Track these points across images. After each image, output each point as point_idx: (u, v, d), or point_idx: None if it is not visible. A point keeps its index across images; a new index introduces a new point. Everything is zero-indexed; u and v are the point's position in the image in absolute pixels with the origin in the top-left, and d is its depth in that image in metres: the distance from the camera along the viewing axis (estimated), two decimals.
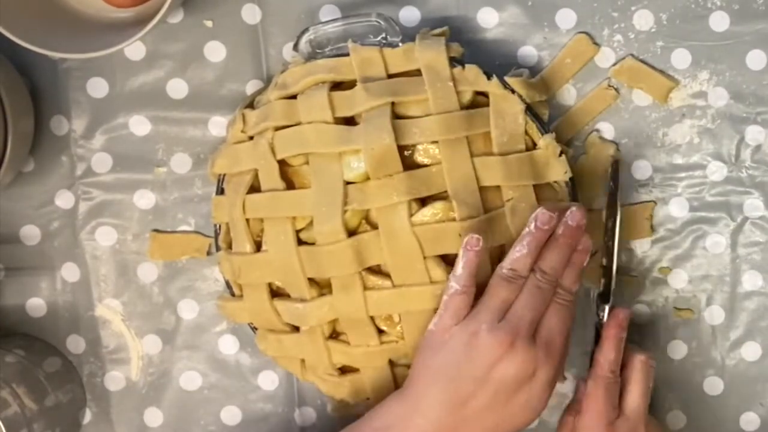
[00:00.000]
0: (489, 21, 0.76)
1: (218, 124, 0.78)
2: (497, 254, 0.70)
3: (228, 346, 0.80)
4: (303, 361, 0.73)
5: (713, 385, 0.78)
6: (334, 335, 0.72)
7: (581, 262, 0.69)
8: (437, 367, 0.66)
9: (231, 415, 0.80)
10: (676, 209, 0.77)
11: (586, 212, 0.68)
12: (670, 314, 0.78)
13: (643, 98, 0.76)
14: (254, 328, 0.74)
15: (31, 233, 0.80)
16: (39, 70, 0.78)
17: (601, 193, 0.76)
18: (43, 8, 0.74)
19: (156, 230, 0.79)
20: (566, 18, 0.76)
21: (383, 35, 0.72)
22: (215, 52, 0.77)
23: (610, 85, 0.76)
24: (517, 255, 0.67)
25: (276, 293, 0.72)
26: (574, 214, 0.68)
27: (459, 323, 0.66)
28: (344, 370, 0.73)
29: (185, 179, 0.79)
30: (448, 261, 0.69)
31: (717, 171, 0.76)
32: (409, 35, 0.72)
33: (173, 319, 0.80)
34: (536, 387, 0.66)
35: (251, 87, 0.78)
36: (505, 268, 0.67)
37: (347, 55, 0.71)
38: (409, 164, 0.70)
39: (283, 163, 0.71)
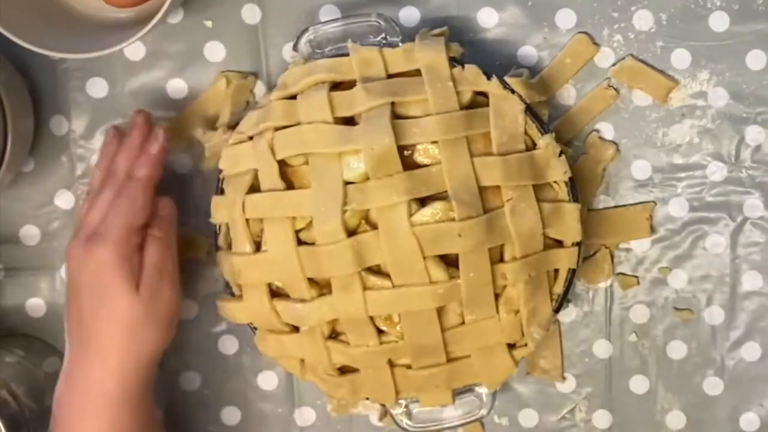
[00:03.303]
0: (489, 21, 0.76)
1: None
2: (497, 254, 0.70)
3: (228, 346, 0.80)
4: (303, 361, 0.73)
5: (713, 386, 0.78)
6: (334, 335, 0.72)
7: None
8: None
9: (231, 415, 0.80)
10: (676, 209, 0.77)
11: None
12: (670, 314, 0.78)
13: (642, 98, 0.76)
14: (254, 329, 0.74)
15: (30, 233, 0.79)
16: (39, 70, 0.78)
17: (601, 193, 0.76)
18: (42, 8, 0.74)
19: None
20: (566, 18, 0.76)
21: (383, 35, 0.72)
22: (215, 52, 0.77)
23: (609, 85, 0.76)
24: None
25: (276, 293, 0.72)
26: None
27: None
28: (344, 370, 0.73)
29: (185, 179, 0.79)
30: (447, 261, 0.69)
31: (717, 171, 0.76)
32: (408, 35, 0.72)
33: None
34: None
35: None
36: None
37: (347, 55, 0.71)
38: (409, 164, 0.69)
39: (282, 163, 0.71)
